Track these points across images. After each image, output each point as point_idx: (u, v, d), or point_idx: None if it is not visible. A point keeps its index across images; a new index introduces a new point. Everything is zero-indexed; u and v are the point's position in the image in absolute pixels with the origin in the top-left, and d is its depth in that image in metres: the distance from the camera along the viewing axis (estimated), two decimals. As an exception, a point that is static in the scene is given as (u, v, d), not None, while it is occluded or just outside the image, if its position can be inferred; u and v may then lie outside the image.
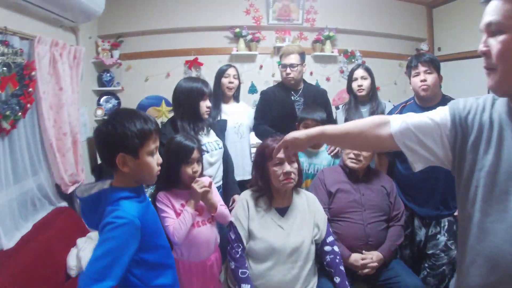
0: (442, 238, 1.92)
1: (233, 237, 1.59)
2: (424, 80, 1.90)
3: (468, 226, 0.84)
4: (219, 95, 2.49)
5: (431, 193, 1.93)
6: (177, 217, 1.50)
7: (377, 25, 3.70)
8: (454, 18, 3.52)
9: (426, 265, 1.98)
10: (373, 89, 2.44)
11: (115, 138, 1.05)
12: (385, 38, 3.79)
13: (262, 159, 1.63)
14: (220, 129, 2.20)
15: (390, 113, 2.15)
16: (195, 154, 1.56)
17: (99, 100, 3.28)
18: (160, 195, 1.55)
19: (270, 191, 1.64)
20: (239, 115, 2.47)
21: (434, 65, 1.92)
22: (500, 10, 0.71)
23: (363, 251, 1.77)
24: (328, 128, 1.09)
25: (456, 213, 1.87)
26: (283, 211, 1.64)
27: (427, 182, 1.90)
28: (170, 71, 3.42)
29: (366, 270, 1.72)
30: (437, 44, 3.86)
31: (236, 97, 2.57)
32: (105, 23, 3.26)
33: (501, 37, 0.71)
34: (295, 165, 1.61)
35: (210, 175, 1.85)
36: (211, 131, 2.05)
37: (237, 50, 3.36)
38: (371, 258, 1.73)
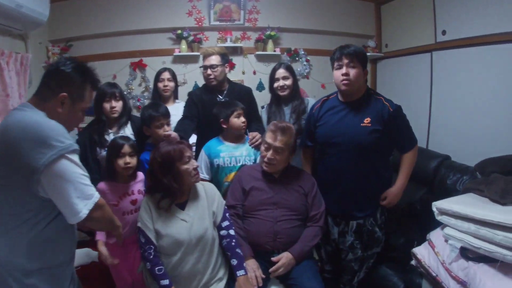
0: (349, 238, 1.96)
1: (143, 241, 1.65)
2: (346, 74, 1.78)
3: None
4: (157, 99, 2.61)
5: (341, 194, 1.93)
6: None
7: (323, 23, 3.72)
8: (401, 14, 3.52)
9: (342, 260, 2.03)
10: (295, 87, 2.40)
11: None
12: (333, 36, 3.80)
13: (171, 161, 1.65)
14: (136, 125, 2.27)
15: (312, 107, 2.10)
16: (126, 149, 1.83)
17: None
18: (99, 185, 1.82)
19: (177, 190, 1.67)
20: (177, 117, 2.44)
21: (358, 58, 1.78)
22: None
23: (273, 256, 1.79)
24: None
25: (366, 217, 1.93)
26: (183, 205, 1.71)
27: (337, 184, 1.93)
28: (117, 72, 3.50)
29: (278, 271, 1.74)
30: (385, 41, 3.88)
31: (175, 97, 2.71)
32: (55, 28, 3.34)
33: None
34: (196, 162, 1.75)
35: None
36: (128, 128, 2.20)
37: (179, 51, 3.43)
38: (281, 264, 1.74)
